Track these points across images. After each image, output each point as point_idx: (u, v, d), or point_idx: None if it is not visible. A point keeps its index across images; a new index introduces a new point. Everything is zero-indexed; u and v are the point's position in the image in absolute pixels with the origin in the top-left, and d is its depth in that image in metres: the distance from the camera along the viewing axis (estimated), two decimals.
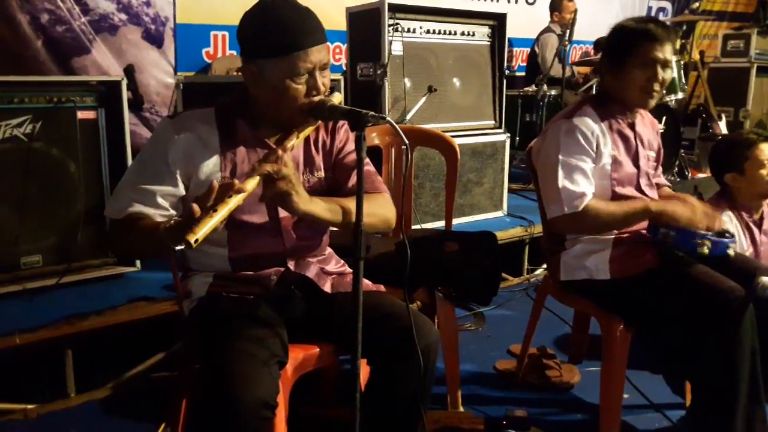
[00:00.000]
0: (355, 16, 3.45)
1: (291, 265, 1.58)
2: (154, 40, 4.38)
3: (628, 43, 1.92)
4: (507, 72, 5.74)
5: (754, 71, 5.67)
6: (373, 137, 2.31)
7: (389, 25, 3.23)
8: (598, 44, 5.47)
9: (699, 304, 1.72)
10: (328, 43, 1.52)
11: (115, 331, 2.26)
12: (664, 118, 4.44)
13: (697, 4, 5.90)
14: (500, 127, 3.78)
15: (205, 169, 1.49)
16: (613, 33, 2.00)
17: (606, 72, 2.00)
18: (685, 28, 5.51)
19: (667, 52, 1.91)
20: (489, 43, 3.68)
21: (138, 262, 2.64)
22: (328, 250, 1.72)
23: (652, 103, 1.99)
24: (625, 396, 2.23)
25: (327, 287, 1.62)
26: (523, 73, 5.62)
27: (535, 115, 4.59)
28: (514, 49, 5.82)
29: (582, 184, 1.88)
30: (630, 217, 1.88)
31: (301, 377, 1.58)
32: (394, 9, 3.23)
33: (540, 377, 2.40)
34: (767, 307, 1.74)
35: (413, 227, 3.30)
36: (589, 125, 1.92)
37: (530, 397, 2.33)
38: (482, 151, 3.65)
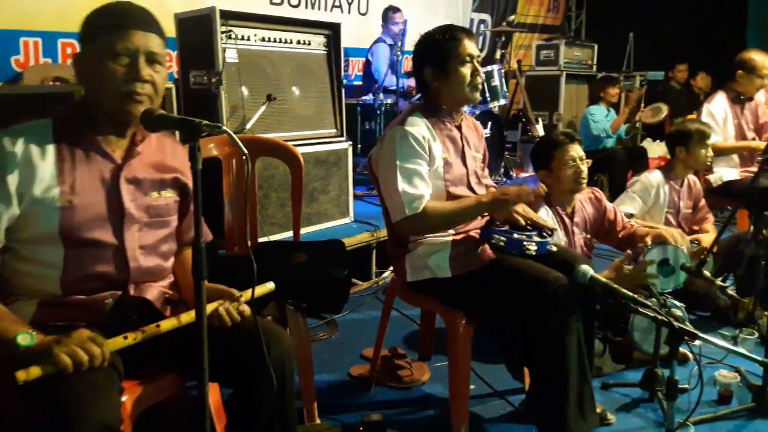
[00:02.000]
0: (184, 22, 3.29)
1: (131, 288, 1.46)
2: None
3: (446, 47, 2.04)
4: (344, 81, 5.86)
5: (563, 78, 6.30)
6: (211, 148, 2.21)
7: (222, 32, 3.13)
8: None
9: (529, 294, 1.86)
10: (163, 42, 1.44)
11: None
12: (489, 123, 4.78)
13: (512, 17, 6.46)
14: (342, 135, 3.82)
15: (41, 185, 1.35)
16: (428, 43, 2.09)
17: (433, 80, 2.08)
18: (503, 39, 5.99)
19: (476, 48, 2.08)
20: (325, 52, 3.70)
21: None
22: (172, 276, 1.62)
23: (479, 96, 2.12)
24: (472, 387, 2.35)
25: (168, 311, 1.51)
26: (360, 82, 5.75)
27: (373, 123, 4.71)
28: (350, 58, 5.93)
29: (420, 186, 1.96)
30: (465, 211, 1.99)
31: (150, 411, 1.47)
32: (226, 16, 3.14)
33: (393, 378, 2.45)
34: (587, 292, 1.93)
35: (260, 240, 3.23)
36: (420, 131, 2.01)
37: (385, 399, 2.37)
38: (326, 160, 3.66)
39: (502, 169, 5.05)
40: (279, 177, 3.32)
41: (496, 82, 4.88)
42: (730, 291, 2.90)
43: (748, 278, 2.98)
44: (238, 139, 1.26)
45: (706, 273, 2.62)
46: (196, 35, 3.21)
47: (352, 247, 3.56)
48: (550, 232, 2.01)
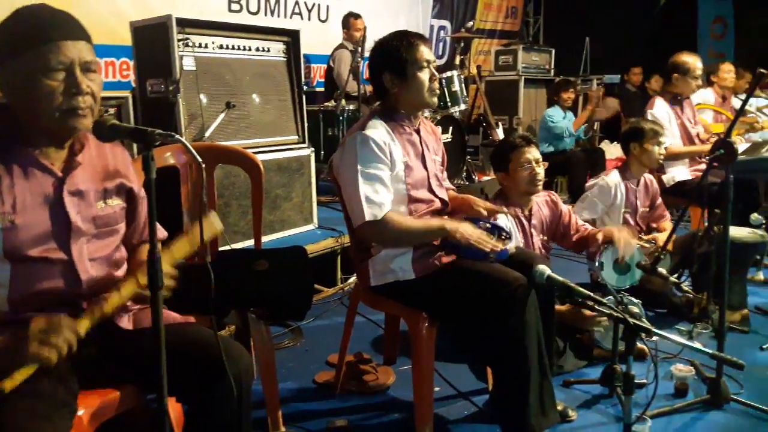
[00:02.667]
0: (140, 30, 3.25)
1: (84, 302, 1.43)
2: None
3: (404, 53, 2.06)
4: (306, 88, 5.85)
5: (522, 83, 6.41)
6: (168, 157, 2.19)
7: (179, 40, 3.09)
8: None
9: (489, 295, 1.89)
10: (92, 46, 1.38)
11: None
12: (451, 128, 4.84)
13: (471, 23, 6.54)
14: (304, 142, 3.81)
15: None
16: (386, 50, 2.10)
17: (392, 86, 2.09)
18: (462, 45, 6.06)
19: (431, 53, 2.12)
20: (285, 59, 3.69)
21: None
22: None
23: (436, 101, 2.16)
24: (437, 389, 2.37)
25: (126, 323, 1.49)
26: (322, 89, 5.75)
27: (336, 129, 4.71)
28: (312, 65, 5.93)
29: (381, 193, 1.98)
30: (428, 232, 2.02)
31: (110, 424, 1.44)
32: (183, 24, 3.10)
33: (358, 383, 2.45)
34: (545, 291, 1.97)
35: (222, 248, 3.20)
36: (380, 135, 2.02)
37: (350, 404, 2.37)
38: (288, 166, 3.65)
39: (464, 173, 5.11)
40: (240, 185, 3.29)
41: (456, 87, 4.93)
42: (685, 287, 3.00)
43: (702, 275, 3.09)
44: (192, 148, 1.25)
45: (662, 270, 2.71)
46: (153, 43, 3.17)
47: (316, 254, 3.56)
48: (507, 235, 2.05)
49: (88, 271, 1.43)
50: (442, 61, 7.54)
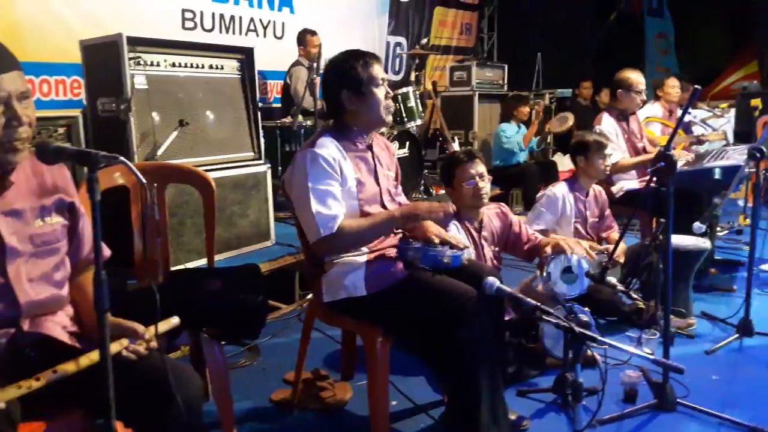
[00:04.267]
0: (90, 49, 3.22)
1: (25, 324, 1.40)
2: None
3: (362, 71, 2.10)
4: (263, 104, 5.83)
5: (476, 98, 6.54)
6: (117, 177, 2.16)
7: (130, 59, 3.07)
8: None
9: (439, 308, 1.92)
10: (22, 72, 1.37)
11: None
12: (407, 143, 4.90)
13: (425, 40, 6.64)
14: (260, 158, 3.81)
15: None
16: (344, 68, 2.12)
17: (350, 104, 2.11)
18: (417, 61, 6.16)
19: (383, 72, 2.16)
20: (239, 76, 3.69)
21: None
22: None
23: (391, 118, 2.20)
24: (393, 403, 2.39)
25: (73, 343, 1.46)
26: (279, 105, 5.75)
27: (293, 145, 4.71)
28: (269, 81, 5.93)
29: (334, 207, 2.00)
30: (379, 226, 2.04)
31: None
32: (134, 42, 3.08)
33: (315, 400, 2.44)
34: (495, 303, 2.01)
35: (176, 267, 3.16)
36: (330, 152, 2.05)
37: (307, 422, 2.37)
38: (244, 183, 3.64)
39: (422, 187, 5.17)
40: (193, 203, 3.26)
41: (411, 103, 5.01)
42: (635, 295, 3.09)
43: (650, 283, 3.19)
44: (135, 169, 1.25)
45: (611, 279, 2.79)
46: (104, 62, 3.14)
47: (273, 270, 3.55)
48: (461, 249, 2.09)
49: (27, 292, 1.40)
50: (399, 77, 7.62)
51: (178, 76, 3.35)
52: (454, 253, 2.03)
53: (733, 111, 6.10)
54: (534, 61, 8.12)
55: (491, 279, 1.91)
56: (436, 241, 2.05)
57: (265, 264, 3.54)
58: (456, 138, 5.94)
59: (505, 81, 7.20)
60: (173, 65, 3.33)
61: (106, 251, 1.60)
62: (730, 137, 5.83)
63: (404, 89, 5.04)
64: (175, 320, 1.55)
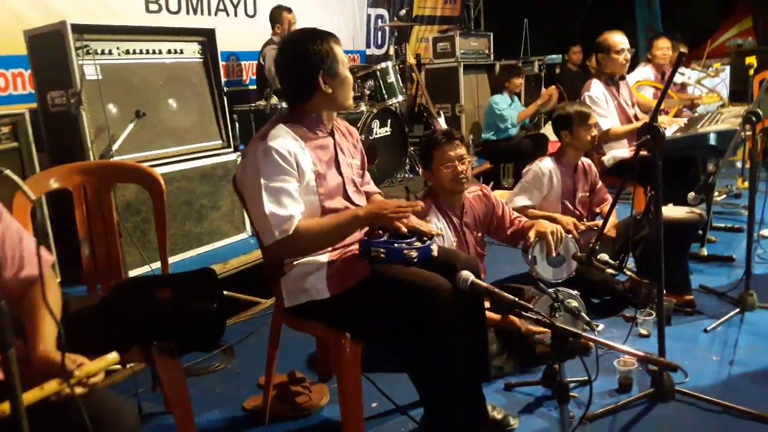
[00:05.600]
0: (35, 39, 3.00)
1: None
2: None
3: (333, 51, 1.90)
4: (238, 86, 5.60)
5: (461, 70, 6.29)
6: (53, 182, 1.97)
7: (77, 48, 2.86)
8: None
9: (410, 304, 1.75)
10: None
11: None
12: (389, 120, 4.69)
13: (403, 11, 6.37)
14: (229, 146, 3.61)
15: None
16: (316, 50, 1.89)
17: (327, 86, 1.90)
18: (397, 34, 5.90)
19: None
20: (201, 59, 3.48)
21: None
22: None
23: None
24: (374, 405, 2.24)
25: None
26: (254, 87, 5.52)
27: None
28: (243, 62, 5.68)
29: (289, 206, 1.81)
30: (342, 227, 1.85)
31: None
32: (80, 30, 2.87)
33: (289, 406, 2.29)
34: (468, 297, 1.83)
35: (141, 269, 2.99)
36: (285, 144, 1.84)
37: (281, 430, 2.21)
38: (213, 174, 3.45)
39: (407, 166, 4.97)
40: None
41: (391, 78, 4.78)
42: (629, 272, 2.92)
43: (644, 259, 3.02)
44: (21, 182, 1.06)
45: (603, 256, 2.62)
46: (50, 53, 2.93)
47: (251, 264, 3.38)
48: (430, 237, 1.91)
49: None
50: (382, 51, 7.36)
51: (133, 64, 3.14)
52: (423, 245, 1.84)
53: (727, 69, 5.88)
54: (521, 28, 7.85)
55: (464, 273, 1.73)
56: (404, 230, 1.87)
57: (241, 257, 3.38)
58: (441, 112, 5.71)
59: (492, 50, 6.93)
60: (127, 52, 3.11)
61: (49, 257, 1.48)
62: (725, 97, 5.62)
63: (383, 64, 4.80)
64: (112, 356, 1.37)
